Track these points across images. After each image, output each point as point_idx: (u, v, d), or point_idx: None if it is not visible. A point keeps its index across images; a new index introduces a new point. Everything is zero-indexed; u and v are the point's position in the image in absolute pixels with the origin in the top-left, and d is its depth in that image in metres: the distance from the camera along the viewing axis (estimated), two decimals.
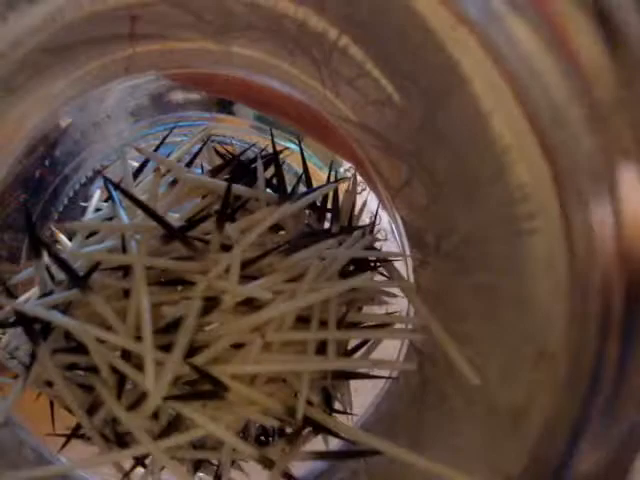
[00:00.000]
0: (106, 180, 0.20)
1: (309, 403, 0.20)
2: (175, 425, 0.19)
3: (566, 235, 0.14)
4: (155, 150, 0.22)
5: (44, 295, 0.20)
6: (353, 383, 0.24)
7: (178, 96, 0.25)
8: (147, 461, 0.21)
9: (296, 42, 0.20)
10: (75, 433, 0.21)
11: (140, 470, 0.21)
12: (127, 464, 0.21)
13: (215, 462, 0.22)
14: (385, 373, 0.22)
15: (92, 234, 0.22)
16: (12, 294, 0.19)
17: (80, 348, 0.20)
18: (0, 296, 0.18)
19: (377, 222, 0.24)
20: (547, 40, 0.12)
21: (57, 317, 0.18)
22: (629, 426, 0.11)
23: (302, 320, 0.21)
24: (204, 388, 0.19)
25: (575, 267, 0.14)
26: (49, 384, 0.21)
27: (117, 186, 0.20)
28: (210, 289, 0.19)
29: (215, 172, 0.23)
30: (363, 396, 0.24)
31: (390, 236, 0.24)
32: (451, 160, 0.19)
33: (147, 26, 0.20)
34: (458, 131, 0.18)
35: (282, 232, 0.23)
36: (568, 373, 0.13)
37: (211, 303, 0.19)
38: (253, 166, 0.23)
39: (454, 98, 0.16)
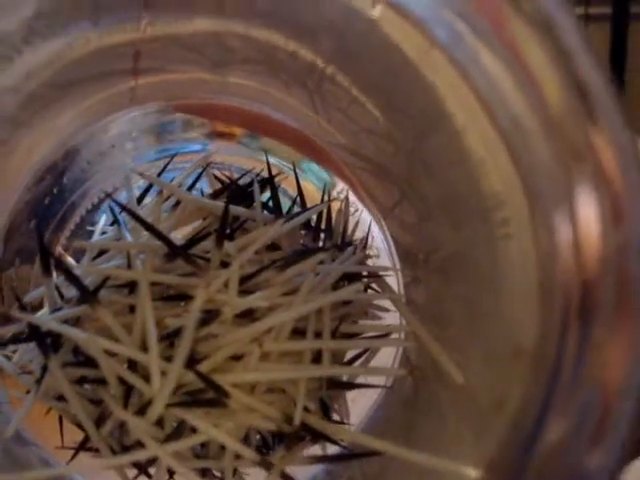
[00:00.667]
0: (113, 202, 0.22)
1: (307, 410, 0.21)
2: (179, 433, 0.20)
3: (534, 240, 0.16)
4: (158, 176, 0.24)
5: (53, 312, 0.21)
6: (350, 394, 0.25)
7: (180, 126, 0.26)
8: (152, 471, 0.22)
9: (289, 72, 0.22)
10: (83, 446, 0.22)
11: None
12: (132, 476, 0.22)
13: (218, 474, 0.23)
14: (380, 383, 0.23)
15: (99, 255, 0.23)
16: (26, 309, 0.20)
17: (88, 362, 0.21)
18: (15, 311, 0.19)
19: (370, 240, 0.25)
20: (504, 57, 0.13)
21: (69, 330, 0.19)
22: (587, 399, 0.12)
23: (298, 332, 0.22)
24: (206, 397, 0.20)
25: (542, 270, 0.15)
26: (59, 399, 0.22)
27: (123, 207, 0.21)
28: (211, 302, 0.21)
29: (214, 196, 0.25)
30: (360, 405, 0.25)
31: (382, 254, 0.26)
32: (436, 180, 0.21)
33: (149, 61, 0.22)
34: (439, 151, 0.19)
35: (278, 251, 0.24)
36: (537, 363, 0.15)
37: (211, 315, 0.20)
38: (250, 189, 0.25)
39: (432, 119, 0.18)
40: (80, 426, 0.23)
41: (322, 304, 0.20)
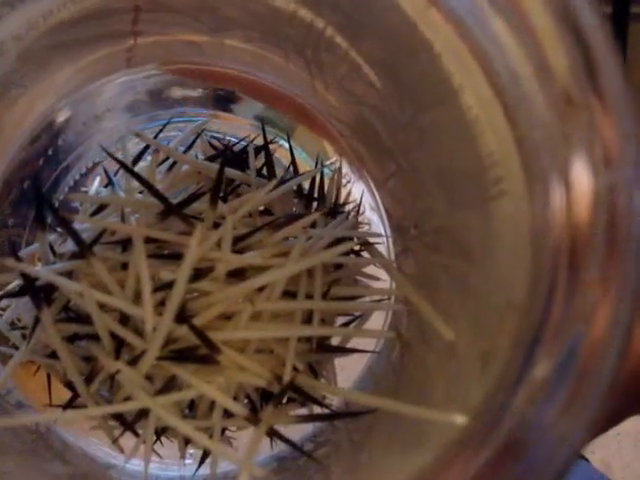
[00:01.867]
0: (111, 158, 0.22)
1: (296, 371, 0.21)
2: (168, 389, 0.21)
3: (529, 197, 0.16)
4: (154, 138, 0.24)
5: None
6: (338, 362, 0.25)
7: (176, 92, 0.26)
8: (140, 430, 0.22)
9: (287, 37, 0.22)
10: (71, 404, 0.22)
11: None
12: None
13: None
14: (368, 349, 0.24)
15: (93, 214, 0.23)
16: (20, 261, 0.20)
17: (78, 319, 0.22)
18: (9, 261, 0.19)
19: (361, 211, 0.26)
20: (506, 13, 0.14)
21: (64, 281, 0.19)
22: (574, 341, 0.13)
23: (289, 295, 0.22)
24: (198, 353, 0.20)
25: (535, 221, 0.16)
26: (48, 356, 0.22)
27: (120, 162, 0.21)
28: (203, 260, 0.21)
29: (209, 160, 0.25)
30: (348, 372, 0.25)
31: (373, 224, 0.26)
32: (431, 146, 0.21)
33: (146, 24, 0.22)
34: (435, 114, 0.19)
35: (271, 216, 0.24)
36: (525, 314, 0.15)
37: (204, 271, 0.20)
38: (244, 155, 0.25)
39: (429, 80, 0.18)
40: (68, 385, 0.23)
41: (314, 263, 0.21)
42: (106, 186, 0.25)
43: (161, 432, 0.23)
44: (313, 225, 0.23)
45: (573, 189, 0.13)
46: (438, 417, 0.16)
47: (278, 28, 0.21)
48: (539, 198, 0.15)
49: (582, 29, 0.14)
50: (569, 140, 0.13)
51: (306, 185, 0.26)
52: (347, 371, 0.25)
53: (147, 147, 0.24)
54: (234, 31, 0.22)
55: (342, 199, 0.26)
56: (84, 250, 0.20)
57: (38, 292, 0.20)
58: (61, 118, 0.25)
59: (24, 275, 0.20)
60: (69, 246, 0.22)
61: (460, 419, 0.15)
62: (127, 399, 0.21)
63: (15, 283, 0.21)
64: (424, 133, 0.20)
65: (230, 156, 0.25)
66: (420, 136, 0.20)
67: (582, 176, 0.13)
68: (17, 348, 0.22)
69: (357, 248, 0.24)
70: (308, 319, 0.22)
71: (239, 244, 0.22)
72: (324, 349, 0.23)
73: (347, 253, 0.23)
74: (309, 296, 0.22)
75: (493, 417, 0.15)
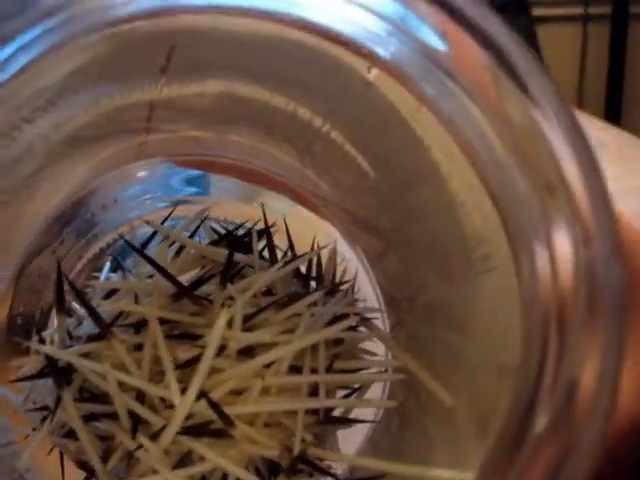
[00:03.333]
0: (125, 243, 0.23)
1: (304, 442, 0.23)
2: (184, 463, 0.22)
3: (516, 268, 0.18)
4: (162, 224, 0.26)
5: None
6: (339, 434, 0.26)
7: (179, 179, 0.28)
8: None
9: (285, 131, 0.24)
10: None
11: None
12: None
13: None
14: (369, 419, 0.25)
15: (105, 297, 0.24)
16: (44, 341, 0.21)
17: (95, 399, 0.23)
18: (33, 343, 0.20)
19: (357, 287, 0.27)
20: (484, 108, 0.16)
21: (87, 363, 0.21)
22: (566, 398, 0.14)
23: (295, 369, 0.24)
24: (212, 427, 0.22)
25: (524, 298, 0.17)
26: (65, 436, 0.23)
27: (133, 247, 0.23)
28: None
29: (213, 244, 0.26)
30: (349, 445, 0.26)
31: (369, 299, 0.28)
32: (420, 227, 0.23)
33: (157, 123, 0.24)
34: (425, 200, 0.21)
35: (273, 296, 0.26)
36: (521, 376, 0.16)
37: (217, 349, 0.22)
38: (246, 239, 0.27)
39: (420, 169, 0.20)
40: (82, 465, 0.24)
41: (319, 339, 0.22)
42: (114, 270, 0.26)
43: None
44: (314, 303, 0.25)
45: (557, 262, 0.15)
46: (445, 476, 0.17)
47: (279, 122, 0.23)
48: (526, 270, 0.17)
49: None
50: (550, 219, 0.15)
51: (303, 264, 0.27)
52: (348, 443, 0.26)
53: (155, 232, 0.25)
54: (238, 128, 0.24)
55: (338, 277, 0.27)
56: (105, 331, 0.21)
57: (60, 373, 0.21)
58: (71, 209, 0.26)
59: (48, 357, 0.21)
60: (84, 329, 0.24)
61: (467, 476, 0.16)
62: (141, 476, 0.22)
63: (31, 365, 0.23)
64: (414, 214, 0.22)
65: (233, 240, 0.26)
66: (410, 216, 0.22)
67: (564, 251, 0.15)
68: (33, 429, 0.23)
69: (354, 324, 0.25)
70: (313, 392, 0.23)
71: (247, 322, 0.23)
72: (329, 421, 0.24)
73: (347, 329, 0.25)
74: (313, 370, 0.23)
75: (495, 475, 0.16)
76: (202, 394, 0.21)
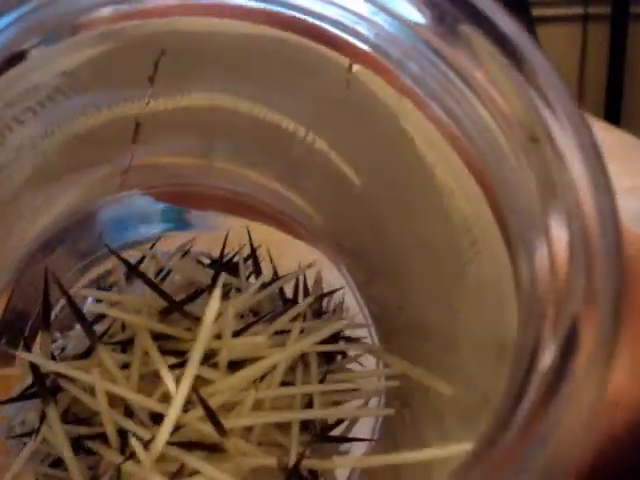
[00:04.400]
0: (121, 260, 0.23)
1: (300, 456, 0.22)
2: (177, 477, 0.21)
3: (511, 260, 0.18)
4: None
5: None
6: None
7: (161, 214, 0.29)
8: None
9: (270, 148, 0.24)
10: None
11: None
12: None
13: None
14: (367, 432, 0.24)
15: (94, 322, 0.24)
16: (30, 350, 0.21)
17: (82, 421, 0.22)
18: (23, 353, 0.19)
19: (344, 307, 0.27)
20: (482, 94, 0.16)
21: (75, 373, 0.20)
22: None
23: (288, 384, 0.23)
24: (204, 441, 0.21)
25: (521, 290, 0.17)
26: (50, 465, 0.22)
27: (129, 265, 0.23)
28: (205, 350, 0.22)
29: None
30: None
31: (356, 317, 0.27)
32: (410, 230, 0.23)
33: (142, 145, 0.24)
34: (412, 197, 0.22)
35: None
36: (518, 356, 0.16)
37: (207, 357, 0.21)
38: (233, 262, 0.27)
39: (405, 162, 0.21)
40: None
41: (312, 344, 0.22)
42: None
43: None
44: (303, 319, 0.25)
45: (555, 252, 0.15)
46: (442, 452, 0.16)
47: (262, 140, 0.24)
48: (524, 261, 0.17)
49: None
50: (549, 209, 0.15)
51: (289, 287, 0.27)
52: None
53: (143, 258, 0.25)
54: (222, 148, 0.25)
55: (325, 299, 0.27)
56: (95, 343, 0.21)
57: (46, 387, 0.20)
58: (56, 236, 0.26)
59: (35, 371, 0.20)
60: (69, 351, 0.23)
61: (466, 446, 0.16)
62: None
63: (17, 388, 0.22)
64: (402, 216, 0.22)
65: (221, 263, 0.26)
66: (397, 221, 0.22)
67: (562, 240, 0.15)
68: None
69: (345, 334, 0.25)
70: (306, 406, 0.23)
71: (236, 337, 0.23)
72: (324, 439, 0.23)
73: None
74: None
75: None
76: (201, 400, 0.20)
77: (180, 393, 0.19)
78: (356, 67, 0.19)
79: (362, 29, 0.17)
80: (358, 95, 0.20)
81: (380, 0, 0.16)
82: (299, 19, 0.18)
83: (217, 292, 0.19)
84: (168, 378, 0.19)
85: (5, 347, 0.20)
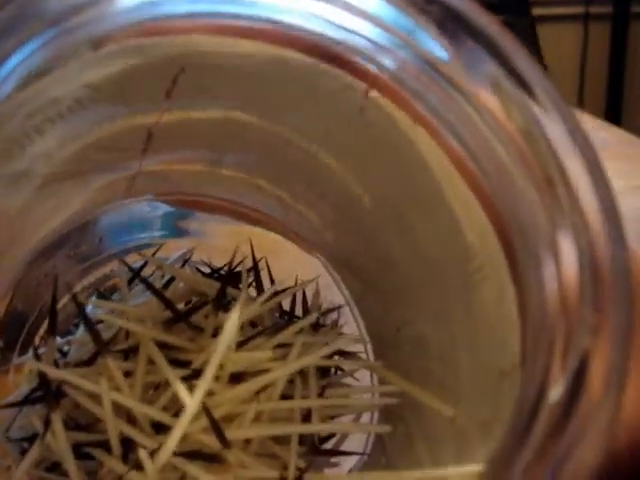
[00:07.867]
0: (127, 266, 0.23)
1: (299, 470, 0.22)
2: None
3: (513, 277, 0.18)
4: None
5: None
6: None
7: (168, 219, 0.29)
8: None
9: (278, 163, 0.25)
10: None
11: None
12: None
13: None
14: (359, 445, 0.25)
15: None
16: (39, 357, 0.21)
17: (84, 428, 0.22)
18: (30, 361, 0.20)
19: (342, 321, 0.28)
20: (486, 115, 0.17)
21: (81, 381, 0.20)
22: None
23: (287, 398, 0.23)
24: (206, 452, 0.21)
25: (528, 317, 0.17)
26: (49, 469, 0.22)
27: (134, 272, 0.23)
28: (206, 362, 0.22)
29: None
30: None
31: (354, 333, 0.28)
32: (416, 254, 0.23)
33: (151, 154, 0.24)
34: (421, 221, 0.22)
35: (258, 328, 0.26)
36: (523, 380, 0.17)
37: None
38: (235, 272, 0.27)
39: (416, 187, 0.21)
40: None
41: (313, 361, 0.22)
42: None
43: None
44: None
45: (563, 266, 0.16)
46: (453, 472, 0.17)
47: (272, 152, 0.24)
48: (532, 275, 0.17)
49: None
50: (555, 224, 0.16)
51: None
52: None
53: (145, 263, 0.26)
54: (231, 157, 0.25)
55: (324, 312, 0.28)
56: (102, 348, 0.21)
57: (52, 392, 0.20)
58: (57, 240, 0.26)
59: (41, 376, 0.20)
60: (71, 357, 0.23)
61: (474, 468, 0.16)
62: None
63: (18, 392, 0.22)
64: (407, 239, 0.23)
65: (223, 274, 0.27)
66: (403, 239, 0.23)
67: (570, 253, 0.15)
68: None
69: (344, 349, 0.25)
70: (305, 420, 0.23)
71: (238, 350, 0.23)
72: (319, 453, 0.24)
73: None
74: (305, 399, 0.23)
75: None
76: (207, 411, 0.20)
77: (192, 405, 0.19)
78: (372, 93, 0.20)
79: (383, 58, 0.18)
80: (372, 118, 0.20)
81: (403, 33, 0.17)
82: (322, 45, 0.18)
83: (237, 309, 0.20)
84: (182, 391, 0.19)
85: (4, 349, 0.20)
